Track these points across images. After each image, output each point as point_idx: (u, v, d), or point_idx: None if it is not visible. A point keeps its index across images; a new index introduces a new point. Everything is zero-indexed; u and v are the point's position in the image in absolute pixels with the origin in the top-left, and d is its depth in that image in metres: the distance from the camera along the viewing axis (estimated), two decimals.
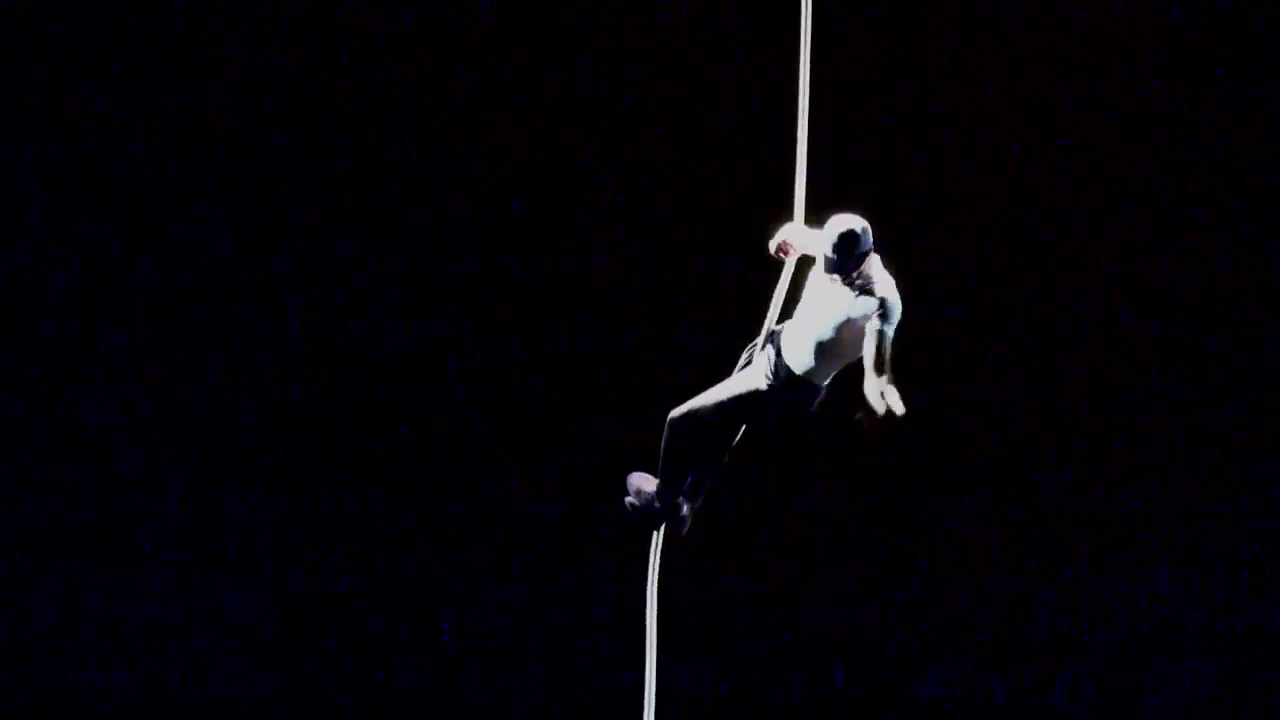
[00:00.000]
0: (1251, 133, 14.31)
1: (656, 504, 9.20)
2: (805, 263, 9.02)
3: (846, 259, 8.57)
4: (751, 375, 9.03)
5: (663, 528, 9.30)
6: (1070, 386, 14.46)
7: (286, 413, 14.36)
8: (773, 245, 9.02)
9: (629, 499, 9.28)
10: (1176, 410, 14.40)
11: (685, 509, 9.24)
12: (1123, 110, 14.38)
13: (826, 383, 8.97)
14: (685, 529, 9.32)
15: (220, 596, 14.25)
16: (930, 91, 14.36)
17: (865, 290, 8.61)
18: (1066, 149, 14.39)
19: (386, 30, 14.28)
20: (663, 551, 9.33)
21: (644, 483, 9.25)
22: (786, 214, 9.09)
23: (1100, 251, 14.45)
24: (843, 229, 8.59)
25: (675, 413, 9.06)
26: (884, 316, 8.54)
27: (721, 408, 8.99)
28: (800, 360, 8.86)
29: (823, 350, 8.79)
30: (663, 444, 9.07)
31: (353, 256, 14.38)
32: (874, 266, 8.72)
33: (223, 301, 14.33)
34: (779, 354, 8.96)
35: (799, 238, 9.02)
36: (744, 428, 9.14)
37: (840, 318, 8.70)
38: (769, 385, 8.95)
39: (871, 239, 8.63)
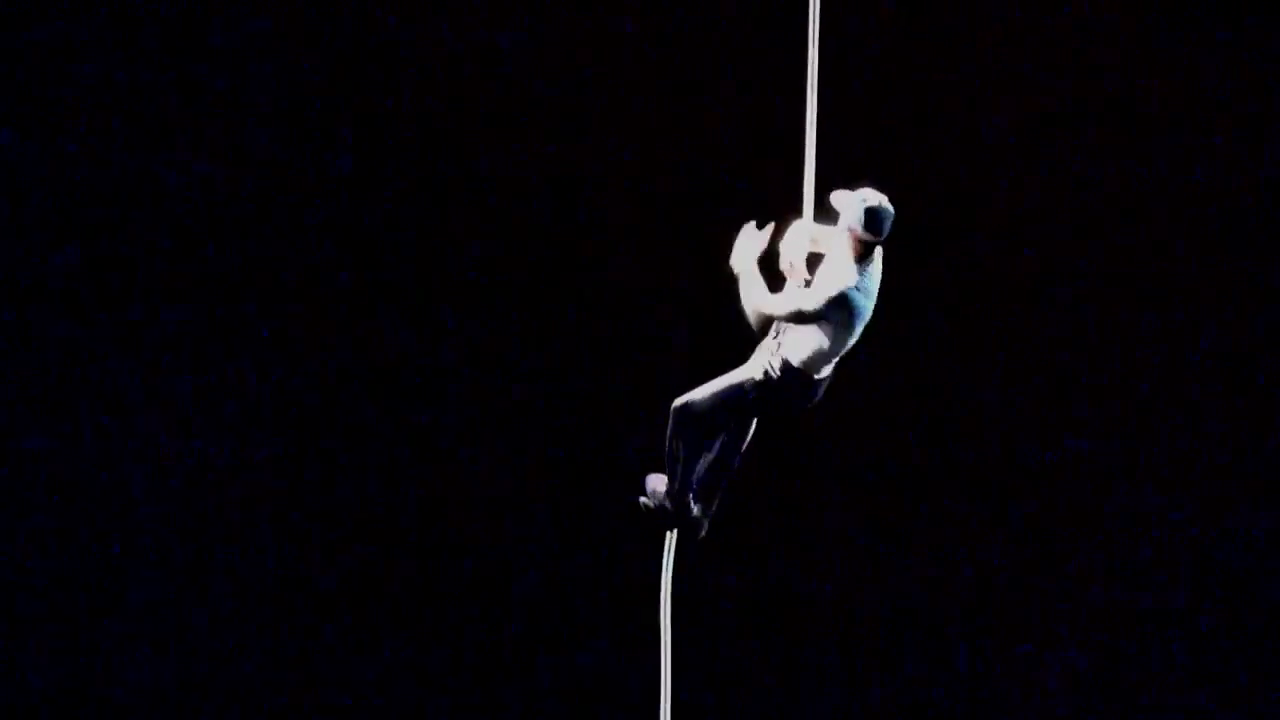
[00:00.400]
0: (1255, 133, 14.27)
1: (668, 504, 9.17)
2: (813, 260, 9.01)
3: (875, 225, 8.62)
4: (752, 365, 9.02)
5: (677, 531, 9.27)
6: (1073, 386, 14.42)
7: (290, 414, 14.32)
8: (783, 263, 8.98)
9: (643, 499, 9.26)
10: (1177, 410, 14.37)
11: (697, 510, 9.23)
12: (1131, 108, 14.35)
13: (823, 375, 8.97)
14: (701, 534, 9.29)
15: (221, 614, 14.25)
16: (939, 89, 14.33)
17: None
18: (1075, 147, 14.35)
19: (389, 30, 14.25)
20: (676, 555, 9.31)
21: (659, 484, 9.23)
22: (794, 212, 9.08)
23: (1108, 252, 14.42)
24: (875, 202, 8.64)
25: (677, 402, 9.05)
26: (826, 298, 8.61)
27: (720, 397, 8.99)
28: (798, 353, 8.87)
29: (821, 342, 8.82)
30: (667, 434, 9.06)
31: (356, 259, 14.34)
32: (876, 261, 8.81)
33: (226, 302, 14.31)
34: (779, 346, 8.96)
35: (810, 237, 9.00)
36: (752, 430, 9.16)
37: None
38: (765, 376, 8.93)
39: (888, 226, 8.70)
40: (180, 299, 14.20)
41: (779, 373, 8.93)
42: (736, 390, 8.99)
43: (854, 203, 8.66)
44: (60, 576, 14.06)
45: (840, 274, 8.73)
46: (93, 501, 14.10)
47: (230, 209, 14.22)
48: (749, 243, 8.91)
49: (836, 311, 8.69)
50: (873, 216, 8.64)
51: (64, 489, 14.09)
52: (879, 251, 8.83)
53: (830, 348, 8.86)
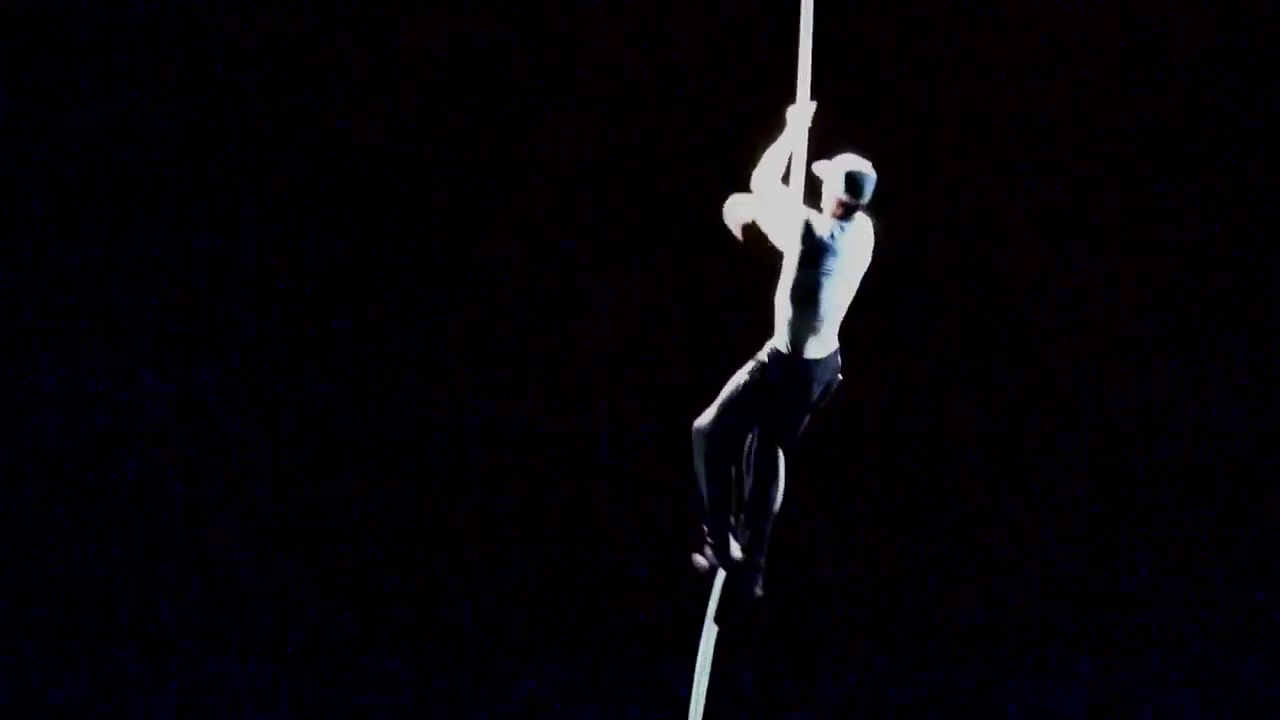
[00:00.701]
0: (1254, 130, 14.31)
1: (716, 556, 9.19)
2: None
3: (855, 187, 8.92)
4: (749, 365, 9.15)
5: (729, 581, 9.21)
6: (1074, 382, 14.38)
7: (319, 448, 14.36)
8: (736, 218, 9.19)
9: (697, 556, 9.26)
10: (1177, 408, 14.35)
11: (740, 553, 9.18)
12: (1133, 100, 14.34)
13: (813, 356, 9.01)
14: (757, 589, 9.22)
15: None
16: (934, 81, 14.32)
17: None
18: (1074, 144, 14.33)
19: (382, 25, 14.28)
20: (728, 607, 9.22)
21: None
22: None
23: (1107, 248, 14.38)
24: (856, 166, 8.94)
25: (695, 422, 9.14)
26: (797, 221, 8.85)
27: (725, 404, 9.09)
28: (781, 333, 9.03)
29: (796, 309, 8.94)
30: (692, 464, 9.15)
31: (371, 267, 14.38)
32: (858, 227, 9.02)
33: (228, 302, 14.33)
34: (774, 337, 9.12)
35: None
36: (783, 462, 9.14)
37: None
38: (758, 365, 9.07)
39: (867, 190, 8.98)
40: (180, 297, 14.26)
41: (768, 359, 9.04)
42: (736, 391, 9.08)
43: (835, 168, 8.96)
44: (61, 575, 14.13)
45: (813, 217, 8.96)
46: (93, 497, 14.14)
47: (226, 205, 14.28)
48: (802, 114, 9.09)
49: (803, 250, 8.88)
50: (853, 180, 8.92)
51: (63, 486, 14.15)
52: (866, 222, 9.05)
53: (806, 314, 8.95)
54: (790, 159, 9.02)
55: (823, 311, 8.95)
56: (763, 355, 9.06)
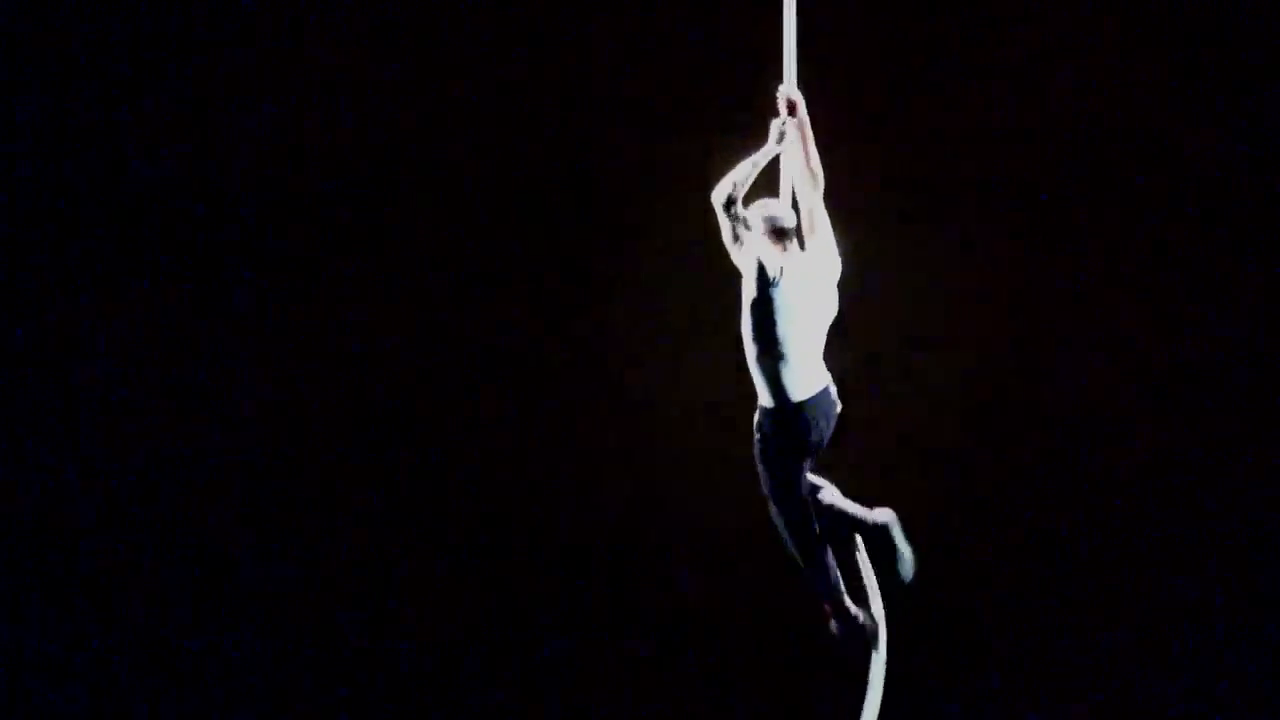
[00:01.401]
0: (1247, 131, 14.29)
1: (839, 622, 9.23)
2: None
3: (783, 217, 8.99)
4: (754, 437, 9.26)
5: (855, 643, 9.29)
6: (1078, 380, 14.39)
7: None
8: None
9: (833, 622, 9.29)
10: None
11: (861, 614, 9.21)
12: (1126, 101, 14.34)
13: (801, 398, 8.99)
14: (876, 642, 9.29)
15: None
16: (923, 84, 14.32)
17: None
18: (1069, 147, 14.32)
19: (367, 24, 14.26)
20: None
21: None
22: None
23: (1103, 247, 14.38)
24: (775, 201, 9.04)
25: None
26: (758, 276, 8.85)
27: (764, 478, 9.07)
28: (762, 387, 9.02)
29: (763, 349, 8.93)
30: (785, 543, 9.21)
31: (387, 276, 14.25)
32: (806, 263, 9.00)
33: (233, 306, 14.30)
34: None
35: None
36: (857, 513, 9.17)
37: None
38: (760, 432, 9.09)
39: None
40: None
41: (760, 418, 9.07)
42: (758, 463, 9.09)
43: (753, 211, 9.01)
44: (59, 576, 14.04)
45: (761, 253, 8.94)
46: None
47: (227, 201, 14.25)
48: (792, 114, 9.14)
49: (757, 286, 8.88)
50: (772, 204, 9.01)
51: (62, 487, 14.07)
52: (821, 251, 9.04)
53: (774, 353, 8.92)
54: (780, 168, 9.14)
55: (789, 348, 8.94)
56: (756, 417, 9.05)
